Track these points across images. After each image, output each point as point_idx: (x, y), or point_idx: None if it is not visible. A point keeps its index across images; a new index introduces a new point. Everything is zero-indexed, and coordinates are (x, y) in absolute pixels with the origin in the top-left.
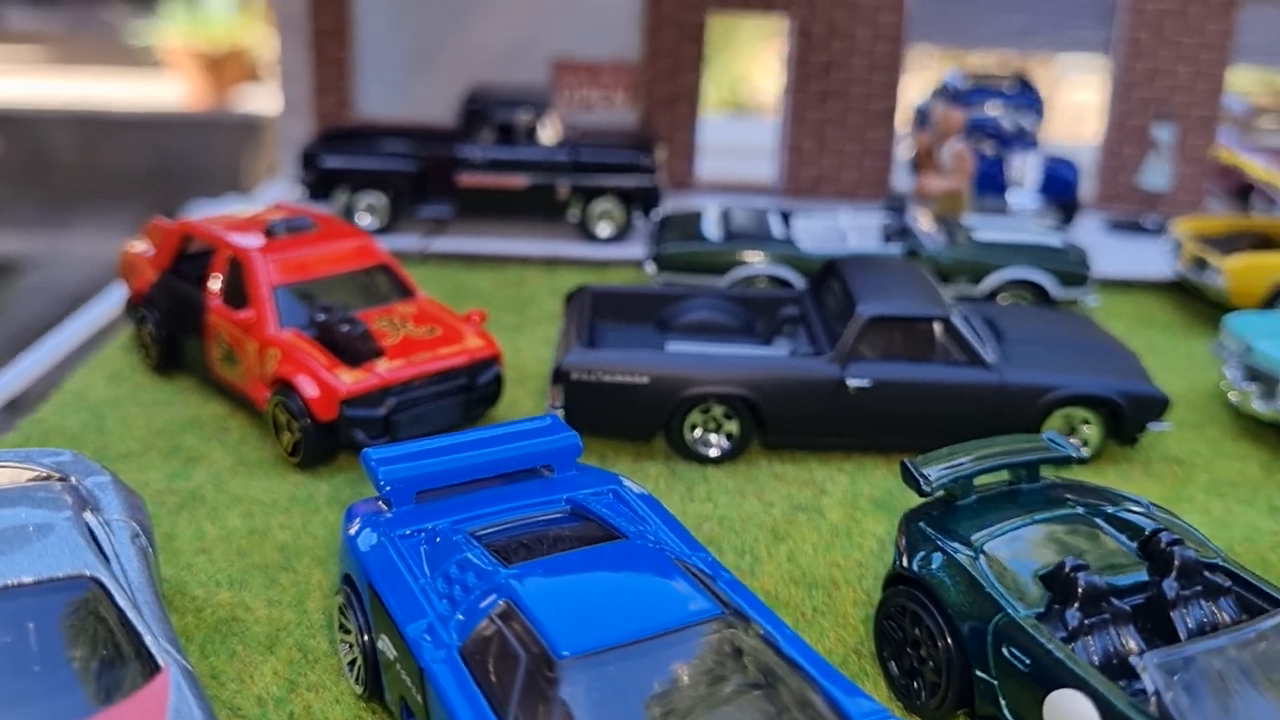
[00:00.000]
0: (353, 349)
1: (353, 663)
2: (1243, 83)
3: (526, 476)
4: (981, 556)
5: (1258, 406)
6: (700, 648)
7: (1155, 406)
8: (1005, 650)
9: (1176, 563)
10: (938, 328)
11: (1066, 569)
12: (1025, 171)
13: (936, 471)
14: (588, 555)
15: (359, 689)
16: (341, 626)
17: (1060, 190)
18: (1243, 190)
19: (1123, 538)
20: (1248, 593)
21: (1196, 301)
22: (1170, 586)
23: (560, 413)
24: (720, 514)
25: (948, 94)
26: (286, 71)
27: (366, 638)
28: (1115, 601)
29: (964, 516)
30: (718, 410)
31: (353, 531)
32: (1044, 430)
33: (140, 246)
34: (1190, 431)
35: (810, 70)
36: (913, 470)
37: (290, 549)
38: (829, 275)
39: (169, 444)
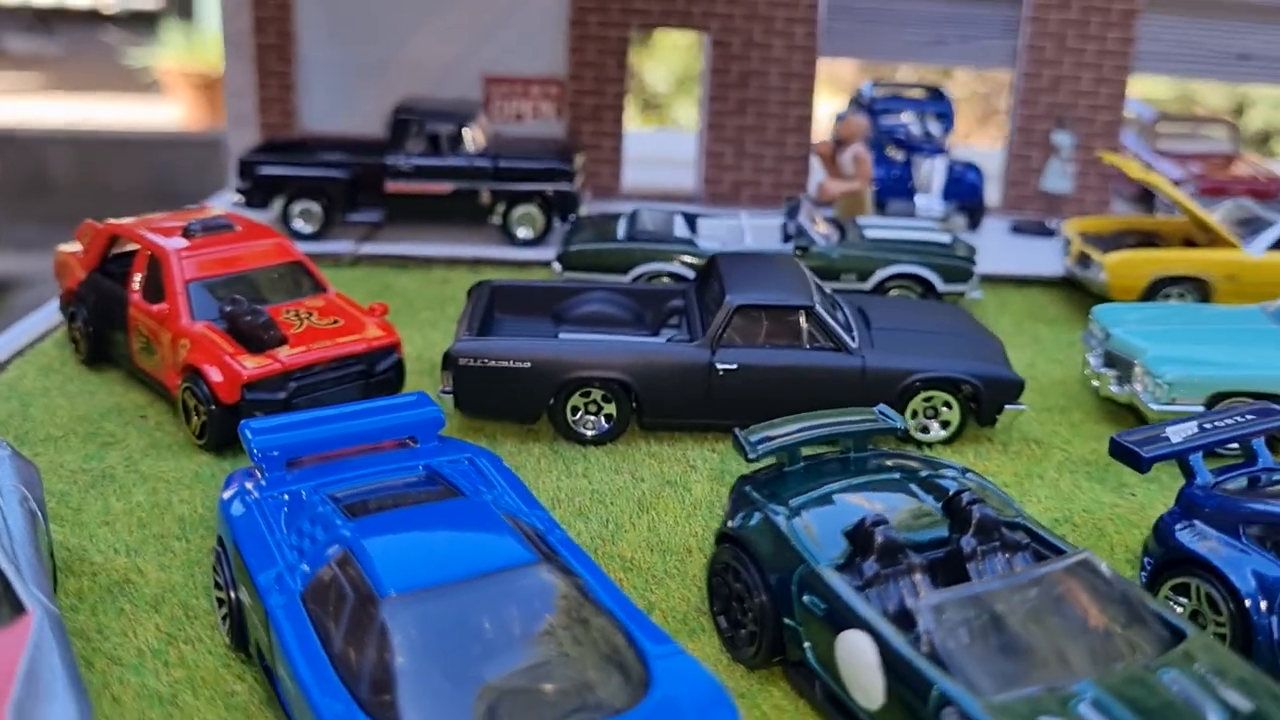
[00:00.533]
0: (256, 337)
1: (225, 617)
2: (1154, 90)
3: (394, 447)
4: (796, 516)
5: (1114, 390)
6: (516, 591)
7: (1010, 389)
8: (806, 598)
9: (975, 520)
10: (802, 316)
11: (866, 524)
12: (932, 176)
13: (761, 439)
14: (424, 510)
15: (228, 640)
16: (216, 584)
17: (966, 194)
18: (1147, 193)
19: (929, 499)
20: (1043, 548)
21: (1084, 296)
22: (968, 542)
23: (450, 396)
24: (593, 488)
25: (861, 103)
26: (232, 87)
27: (232, 592)
28: (912, 554)
29: (789, 481)
30: (597, 394)
31: (226, 495)
32: (906, 412)
33: (73, 248)
34: (1055, 415)
35: (728, 81)
36: (740, 439)
37: (188, 520)
38: (709, 269)
39: (89, 429)
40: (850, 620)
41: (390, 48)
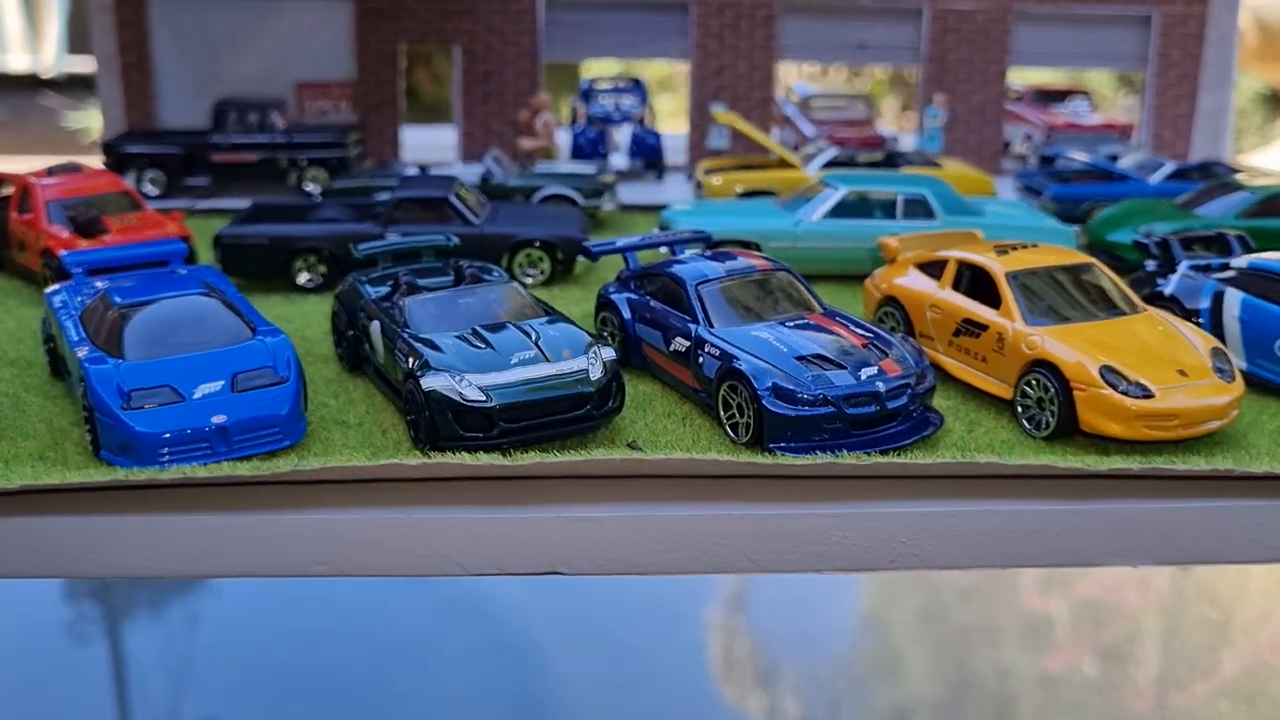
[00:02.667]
0: (87, 228)
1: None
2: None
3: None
4: (366, 284)
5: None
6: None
7: (576, 242)
8: (362, 318)
9: (466, 275)
10: (443, 203)
11: (401, 277)
12: (619, 140)
13: (368, 246)
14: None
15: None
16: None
17: (648, 153)
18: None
19: (450, 276)
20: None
21: None
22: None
23: (219, 265)
24: (303, 311)
25: (581, 89)
26: (105, 98)
27: (52, 344)
28: (429, 291)
29: (378, 270)
30: (313, 258)
31: (49, 291)
32: (516, 264)
33: None
34: None
35: (474, 79)
36: (353, 248)
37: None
38: (401, 184)
39: None
40: (375, 317)
41: (224, 61)
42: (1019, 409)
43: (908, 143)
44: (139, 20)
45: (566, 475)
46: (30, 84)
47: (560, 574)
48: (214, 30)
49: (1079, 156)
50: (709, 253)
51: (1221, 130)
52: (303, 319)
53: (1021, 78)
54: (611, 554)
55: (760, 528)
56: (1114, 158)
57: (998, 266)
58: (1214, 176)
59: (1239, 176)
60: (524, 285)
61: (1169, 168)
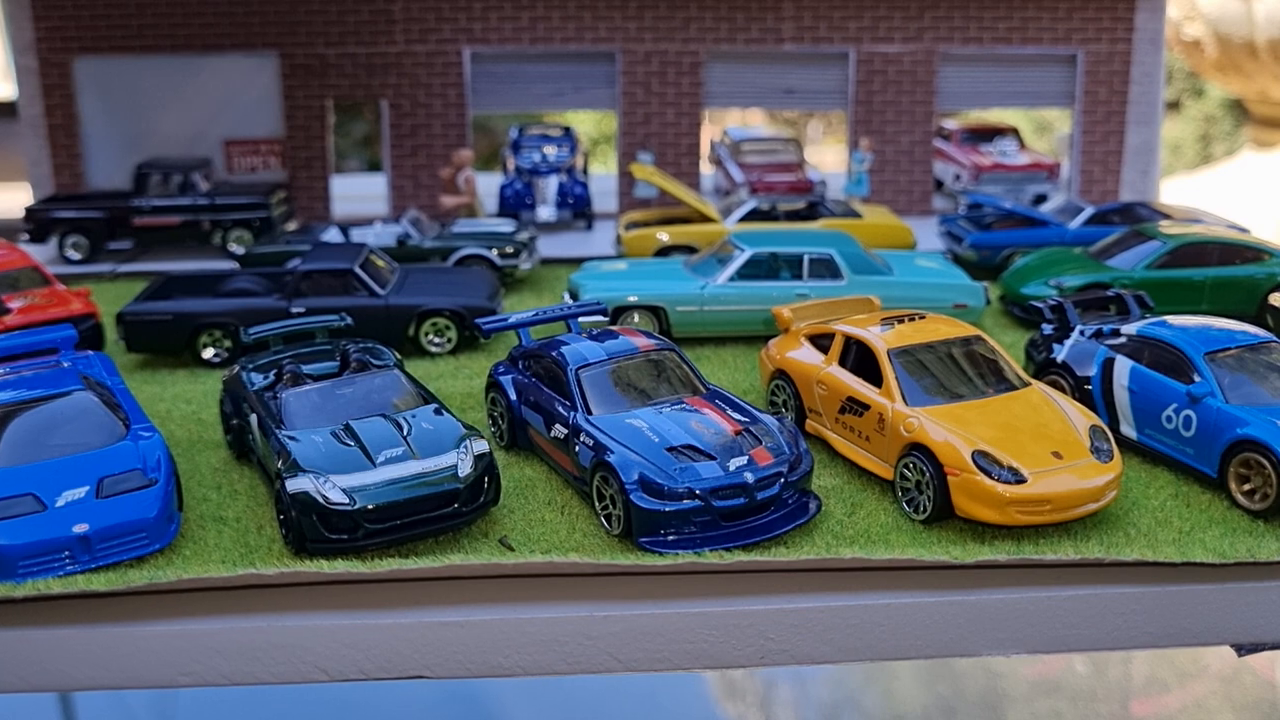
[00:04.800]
0: None
1: None
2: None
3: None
4: (251, 372)
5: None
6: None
7: (482, 310)
8: (245, 409)
9: (352, 362)
10: (348, 274)
11: (284, 365)
12: (547, 191)
13: (255, 332)
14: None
15: None
16: None
17: (576, 203)
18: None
19: (336, 361)
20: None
21: None
22: (347, 374)
23: (123, 344)
24: (206, 390)
25: (510, 140)
26: (31, 158)
27: None
28: (310, 379)
29: (265, 356)
30: (218, 333)
31: None
32: (423, 334)
33: None
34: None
35: (403, 132)
36: (242, 333)
37: None
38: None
39: None
40: (254, 408)
41: (153, 120)
42: (899, 491)
43: (838, 183)
44: (65, 82)
45: (427, 578)
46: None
47: (425, 678)
48: (141, 89)
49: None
50: (594, 331)
51: (1150, 166)
52: (204, 399)
53: (959, 117)
54: (477, 657)
55: (627, 627)
56: (1042, 198)
57: (880, 344)
58: (1135, 219)
59: (1155, 225)
60: (432, 354)
61: (1088, 212)
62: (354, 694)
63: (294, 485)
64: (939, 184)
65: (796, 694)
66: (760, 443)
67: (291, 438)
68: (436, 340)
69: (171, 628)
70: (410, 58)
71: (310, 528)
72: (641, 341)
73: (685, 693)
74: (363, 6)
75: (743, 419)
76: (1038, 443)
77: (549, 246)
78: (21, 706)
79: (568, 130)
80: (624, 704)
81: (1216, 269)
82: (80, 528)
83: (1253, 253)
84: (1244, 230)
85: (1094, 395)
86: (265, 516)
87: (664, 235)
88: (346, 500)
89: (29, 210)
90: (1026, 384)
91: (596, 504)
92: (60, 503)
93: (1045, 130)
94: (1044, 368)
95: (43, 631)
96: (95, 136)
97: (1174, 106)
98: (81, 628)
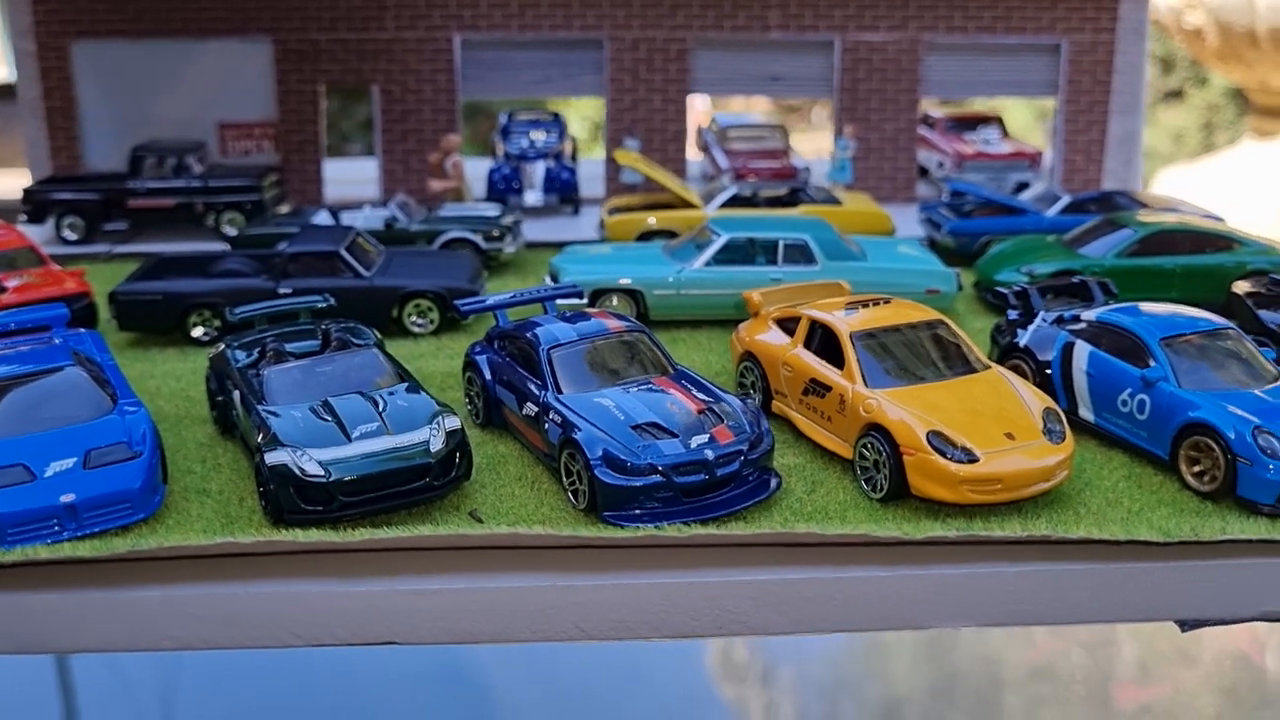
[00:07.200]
0: None
1: None
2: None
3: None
4: (236, 350)
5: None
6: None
7: (463, 292)
8: (229, 385)
9: (333, 341)
10: (334, 257)
11: (267, 343)
12: (534, 176)
13: (240, 312)
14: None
15: None
16: None
17: (562, 188)
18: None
19: (318, 340)
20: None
21: None
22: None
23: (115, 323)
24: (194, 368)
25: (499, 125)
26: (30, 140)
27: None
28: (292, 356)
29: (248, 335)
30: (207, 313)
31: None
32: (406, 316)
33: None
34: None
35: (394, 117)
36: (228, 312)
37: None
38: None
39: None
40: (235, 383)
41: (149, 104)
42: (858, 470)
43: (822, 169)
44: (63, 65)
45: (397, 548)
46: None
47: (395, 644)
48: (138, 73)
49: (979, 183)
50: (567, 314)
51: (1132, 156)
52: (193, 376)
53: (949, 105)
54: (444, 625)
55: (589, 598)
56: (1024, 185)
57: (844, 327)
58: (1113, 208)
59: (1128, 214)
60: (414, 335)
61: (1065, 200)
62: (335, 656)
63: (272, 458)
64: (924, 171)
65: (795, 675)
66: (722, 421)
67: (272, 413)
68: (419, 321)
69: (153, 593)
70: (401, 44)
71: (287, 499)
72: (613, 323)
73: (686, 672)
74: None
75: (706, 399)
76: (992, 424)
77: (535, 230)
78: (18, 668)
79: (556, 116)
80: (626, 706)
81: (1186, 257)
82: (67, 497)
83: (1223, 242)
84: (1219, 220)
85: (1054, 379)
86: (247, 489)
87: (652, 219)
88: (322, 473)
89: (27, 191)
90: (986, 367)
91: (564, 479)
92: (49, 473)
93: (1046, 117)
94: (1007, 352)
95: (31, 596)
96: (93, 119)
97: (1177, 95)
98: (67, 593)
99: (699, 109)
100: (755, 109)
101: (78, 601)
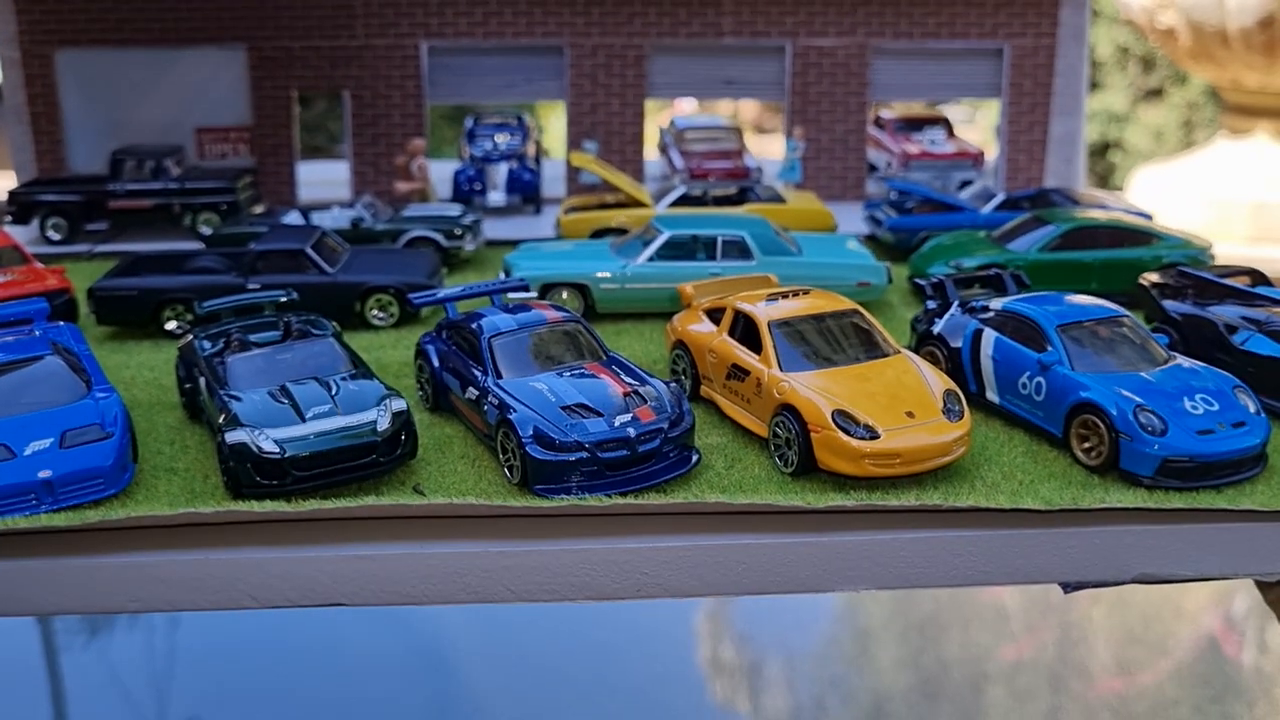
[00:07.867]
0: None
1: None
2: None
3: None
4: (203, 340)
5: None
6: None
7: (420, 287)
8: (196, 372)
9: (293, 331)
10: (300, 254)
11: (232, 333)
12: (497, 177)
13: (208, 305)
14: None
15: None
16: None
17: (524, 189)
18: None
19: (280, 331)
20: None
21: None
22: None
23: (93, 317)
24: (167, 358)
25: (465, 129)
26: (16, 144)
27: None
28: (254, 345)
29: (220, 325)
30: (180, 307)
31: None
32: (368, 309)
33: None
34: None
35: (364, 121)
36: (197, 306)
37: None
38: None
39: None
40: (202, 370)
41: (129, 109)
42: (772, 447)
43: (773, 169)
44: (47, 72)
45: (345, 518)
46: None
47: (342, 605)
48: (119, 80)
49: (921, 182)
50: (510, 305)
51: (1073, 155)
52: (165, 366)
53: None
54: (388, 587)
55: (519, 563)
56: (967, 183)
57: (763, 315)
58: (1045, 205)
59: (1053, 210)
60: (375, 327)
61: (1000, 198)
62: (287, 618)
63: (232, 437)
64: (873, 169)
65: (784, 675)
66: (646, 402)
67: (234, 396)
68: (380, 315)
69: (122, 560)
70: (371, 50)
71: (245, 474)
72: (551, 314)
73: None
74: (325, 1)
75: (633, 382)
76: (894, 404)
77: (498, 229)
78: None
79: (520, 119)
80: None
81: (1105, 251)
82: (44, 473)
83: (1142, 237)
84: (1146, 217)
85: (963, 364)
86: (210, 467)
87: (621, 220)
88: (277, 450)
89: (12, 194)
90: (896, 353)
91: (500, 456)
92: (28, 451)
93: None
94: (923, 339)
95: (9, 563)
96: (76, 124)
97: (1157, 94)
98: (43, 559)
99: (685, 110)
100: (747, 112)
101: (53, 567)
